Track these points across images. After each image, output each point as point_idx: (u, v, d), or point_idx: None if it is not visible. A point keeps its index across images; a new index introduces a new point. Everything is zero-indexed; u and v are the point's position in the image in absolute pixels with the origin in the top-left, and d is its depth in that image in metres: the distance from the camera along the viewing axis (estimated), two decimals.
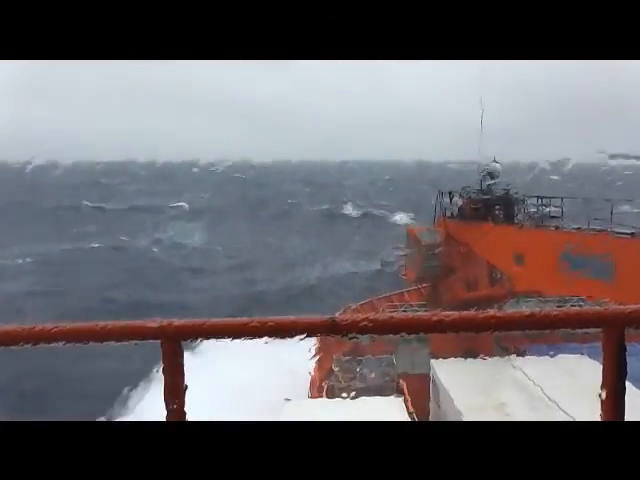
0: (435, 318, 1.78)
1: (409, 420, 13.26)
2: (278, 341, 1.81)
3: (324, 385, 20.67)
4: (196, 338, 1.80)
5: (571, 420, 12.71)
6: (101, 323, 1.84)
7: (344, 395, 17.84)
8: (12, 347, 1.85)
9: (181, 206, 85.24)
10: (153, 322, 1.81)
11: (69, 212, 78.10)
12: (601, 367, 1.81)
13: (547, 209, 19.29)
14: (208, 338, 1.80)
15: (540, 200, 19.57)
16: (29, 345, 1.85)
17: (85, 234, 65.16)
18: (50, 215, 74.47)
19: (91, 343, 1.84)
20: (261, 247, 59.14)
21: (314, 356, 23.98)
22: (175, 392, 1.84)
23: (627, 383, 1.82)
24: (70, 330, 1.84)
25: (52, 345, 1.86)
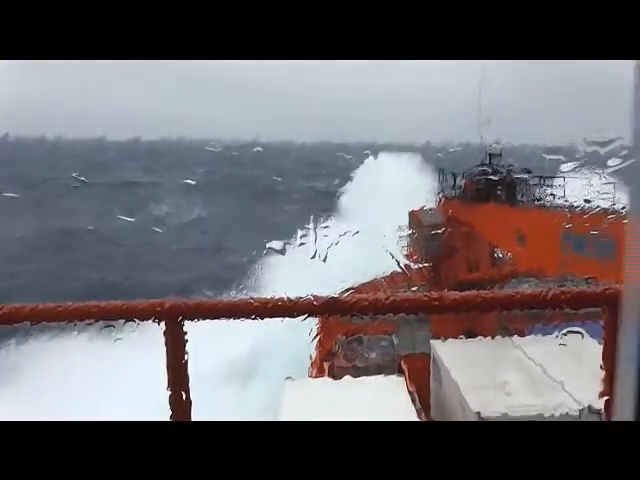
0: (436, 298, 1.78)
1: (413, 420, 13.34)
2: (279, 321, 1.82)
3: (325, 365, 20.78)
4: (198, 318, 1.81)
5: (574, 412, 12.78)
6: (104, 303, 1.85)
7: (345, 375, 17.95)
8: (16, 325, 1.86)
9: (170, 184, 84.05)
10: (156, 302, 1.82)
11: (59, 188, 76.95)
12: (601, 346, 1.82)
13: (549, 189, 19.25)
14: (210, 318, 1.81)
15: (542, 180, 19.53)
16: (33, 324, 1.86)
17: (75, 210, 64.36)
18: (39, 191, 73.42)
19: (94, 322, 1.85)
20: (249, 225, 58.47)
21: (315, 336, 24.07)
22: (178, 371, 1.85)
23: None
24: (74, 309, 1.85)
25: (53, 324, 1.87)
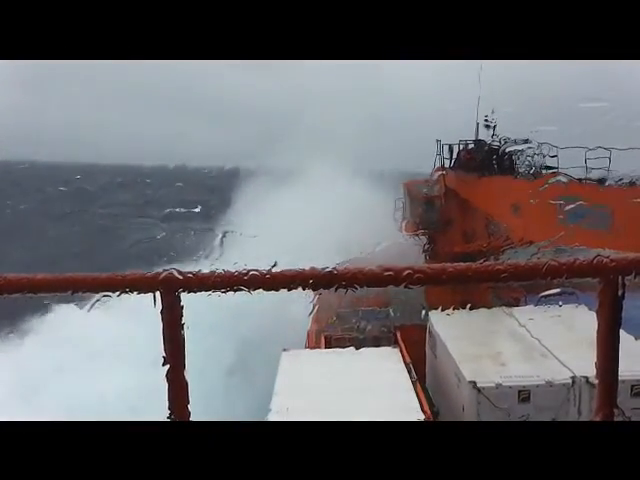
0: (432, 270, 1.78)
1: (415, 420, 13.50)
2: (277, 293, 1.82)
3: (322, 336, 20.90)
4: (196, 290, 1.81)
5: (575, 420, 12.90)
6: (102, 274, 1.85)
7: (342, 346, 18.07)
8: (6, 295, 1.85)
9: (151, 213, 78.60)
10: (152, 274, 1.81)
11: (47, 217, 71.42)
12: (595, 316, 1.83)
13: (544, 158, 19.16)
14: (208, 290, 1.81)
15: (538, 151, 19.45)
16: (23, 294, 1.85)
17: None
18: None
19: (88, 294, 1.85)
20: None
21: (312, 308, 24.16)
22: (174, 344, 1.86)
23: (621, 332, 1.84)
24: (68, 279, 1.84)
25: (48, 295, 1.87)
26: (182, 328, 1.85)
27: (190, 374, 1.89)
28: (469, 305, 20.54)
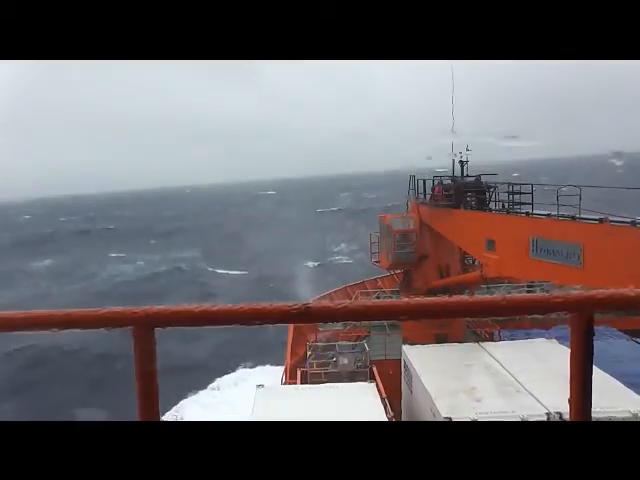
0: (407, 304, 1.79)
1: (389, 420, 13.39)
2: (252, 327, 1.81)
3: (297, 371, 20.75)
4: (169, 325, 1.79)
5: (554, 416, 12.94)
6: (75, 310, 1.82)
7: (317, 380, 17.94)
8: None
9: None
10: (126, 309, 1.80)
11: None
12: (569, 351, 1.85)
13: (518, 196, 19.44)
14: (182, 325, 1.79)
15: (511, 187, 19.75)
16: None
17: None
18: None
19: (63, 330, 1.82)
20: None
21: (288, 342, 24.04)
22: (147, 380, 1.83)
23: (594, 366, 1.86)
24: (42, 316, 1.82)
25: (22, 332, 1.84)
26: (155, 363, 1.83)
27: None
28: (444, 339, 20.61)
